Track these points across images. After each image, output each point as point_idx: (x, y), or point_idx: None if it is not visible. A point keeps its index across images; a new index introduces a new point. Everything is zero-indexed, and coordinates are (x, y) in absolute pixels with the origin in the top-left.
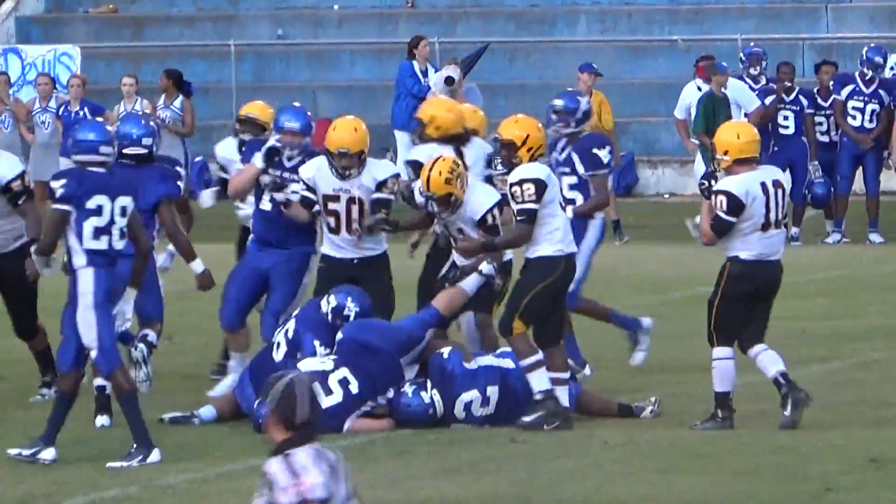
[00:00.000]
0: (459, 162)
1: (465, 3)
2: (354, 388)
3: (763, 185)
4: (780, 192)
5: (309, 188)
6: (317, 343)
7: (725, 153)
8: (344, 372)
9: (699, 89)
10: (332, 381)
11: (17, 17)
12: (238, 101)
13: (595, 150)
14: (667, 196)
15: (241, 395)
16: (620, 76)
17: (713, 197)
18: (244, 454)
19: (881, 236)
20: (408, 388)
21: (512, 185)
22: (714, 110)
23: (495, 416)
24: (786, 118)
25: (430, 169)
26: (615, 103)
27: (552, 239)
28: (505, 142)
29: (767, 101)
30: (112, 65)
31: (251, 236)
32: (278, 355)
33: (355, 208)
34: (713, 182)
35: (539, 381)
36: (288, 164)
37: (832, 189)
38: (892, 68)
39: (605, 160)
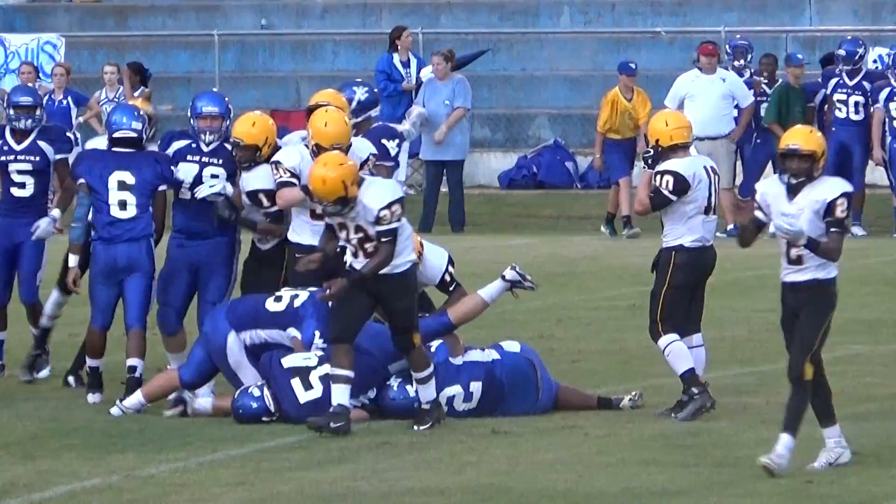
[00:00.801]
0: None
1: None
2: None
3: (706, 168)
4: (716, 178)
5: (293, 174)
6: (317, 334)
7: (657, 142)
8: (328, 368)
9: (700, 71)
10: (314, 376)
11: (0, 5)
12: (221, 91)
13: (384, 141)
14: None
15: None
16: (603, 68)
17: (659, 177)
18: (226, 444)
19: (863, 229)
20: (393, 382)
21: (382, 209)
22: (788, 101)
23: (478, 411)
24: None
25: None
26: (597, 95)
27: (407, 250)
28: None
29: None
30: (95, 54)
31: (171, 232)
32: (275, 306)
33: None
34: (655, 154)
35: (429, 391)
36: (206, 149)
37: None
38: (874, 61)
39: (393, 153)
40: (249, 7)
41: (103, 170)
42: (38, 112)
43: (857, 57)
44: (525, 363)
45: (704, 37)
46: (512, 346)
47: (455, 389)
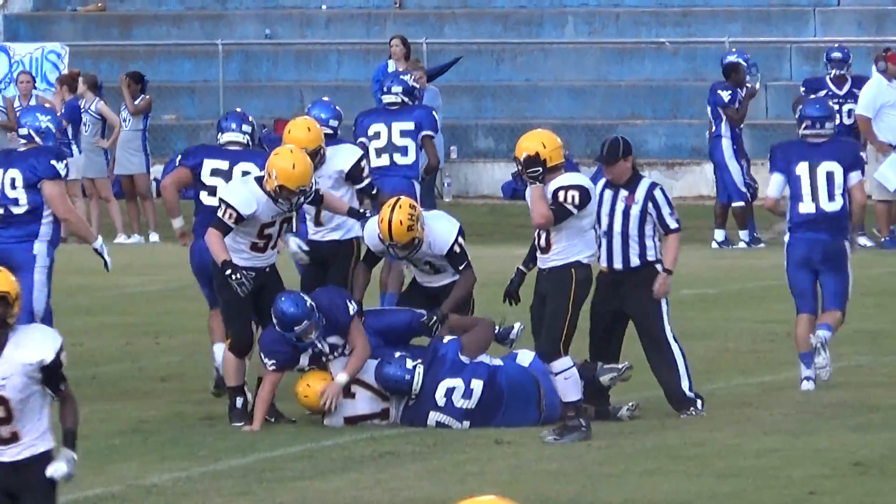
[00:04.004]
0: (415, 203)
1: (452, 3)
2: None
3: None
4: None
5: (238, 218)
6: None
7: (539, 160)
8: None
9: (886, 79)
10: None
11: (5, 14)
12: (225, 101)
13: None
14: None
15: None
16: (607, 78)
17: (564, 192)
18: (228, 454)
19: (869, 240)
20: (396, 355)
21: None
22: None
23: (475, 412)
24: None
25: (390, 217)
26: (601, 106)
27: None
28: None
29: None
30: (99, 63)
31: None
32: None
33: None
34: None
35: None
36: None
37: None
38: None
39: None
40: (253, 16)
41: None
42: None
43: (848, 63)
44: (529, 379)
45: (708, 48)
46: (526, 357)
47: (456, 382)
